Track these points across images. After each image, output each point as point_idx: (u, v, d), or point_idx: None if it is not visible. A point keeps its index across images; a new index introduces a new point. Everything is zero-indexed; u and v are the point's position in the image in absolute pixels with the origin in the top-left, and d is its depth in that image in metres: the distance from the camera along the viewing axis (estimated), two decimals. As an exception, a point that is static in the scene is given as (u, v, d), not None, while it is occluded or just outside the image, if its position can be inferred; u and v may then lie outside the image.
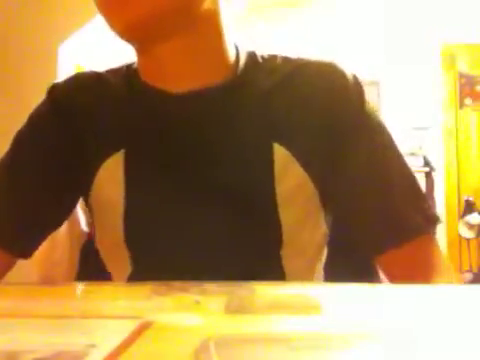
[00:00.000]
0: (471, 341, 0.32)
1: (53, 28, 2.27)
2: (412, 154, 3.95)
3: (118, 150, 0.68)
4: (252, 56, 0.70)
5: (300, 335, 0.34)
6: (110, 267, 0.74)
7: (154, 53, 0.65)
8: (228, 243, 0.65)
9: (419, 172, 3.87)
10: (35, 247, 0.72)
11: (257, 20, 3.91)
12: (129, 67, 0.73)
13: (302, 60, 0.70)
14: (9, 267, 0.70)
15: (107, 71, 0.74)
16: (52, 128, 0.71)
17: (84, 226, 1.34)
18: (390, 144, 0.68)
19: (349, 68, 0.69)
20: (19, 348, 0.32)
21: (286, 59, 0.70)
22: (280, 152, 0.65)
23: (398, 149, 0.68)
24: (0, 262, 0.69)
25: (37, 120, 0.73)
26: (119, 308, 0.42)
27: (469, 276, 3.66)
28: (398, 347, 0.31)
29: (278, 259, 0.67)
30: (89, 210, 0.75)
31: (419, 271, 0.65)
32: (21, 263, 0.71)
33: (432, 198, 3.89)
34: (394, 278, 0.67)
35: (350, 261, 0.84)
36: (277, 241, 0.66)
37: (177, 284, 0.48)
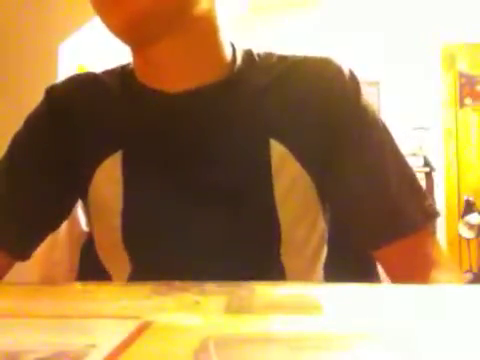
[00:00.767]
0: (471, 341, 0.32)
1: (53, 28, 2.27)
2: (412, 154, 3.95)
3: (115, 151, 0.68)
4: (248, 54, 0.71)
5: (300, 335, 0.33)
6: (109, 267, 0.74)
7: (150, 53, 0.65)
8: (227, 242, 0.65)
9: (419, 172, 3.86)
10: (33, 248, 0.72)
11: (257, 20, 3.91)
12: (124, 68, 0.73)
13: (298, 57, 0.70)
14: (8, 268, 0.70)
15: (103, 72, 0.74)
16: (49, 130, 0.71)
17: (84, 226, 1.34)
18: (387, 139, 0.68)
19: (346, 64, 0.70)
20: (19, 348, 0.32)
21: (282, 56, 0.70)
22: (277, 148, 0.65)
23: (395, 144, 0.69)
24: None
25: (35, 122, 0.73)
26: (119, 308, 0.42)
27: (469, 276, 3.66)
28: (398, 347, 0.31)
29: (277, 257, 0.67)
30: (87, 211, 0.75)
31: (418, 265, 0.65)
32: (21, 263, 0.71)
33: (432, 198, 3.89)
34: (393, 273, 0.67)
35: (350, 261, 0.84)
36: (276, 238, 0.66)
37: (177, 284, 0.48)
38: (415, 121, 4.24)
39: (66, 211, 0.75)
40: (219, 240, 0.65)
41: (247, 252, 0.66)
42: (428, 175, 4.12)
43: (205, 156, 0.66)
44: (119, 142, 0.69)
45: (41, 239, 0.73)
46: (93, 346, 0.31)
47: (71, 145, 0.71)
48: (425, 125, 4.26)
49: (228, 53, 0.69)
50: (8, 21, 2.26)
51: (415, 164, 3.84)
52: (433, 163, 4.19)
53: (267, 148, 0.65)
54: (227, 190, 0.65)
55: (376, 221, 0.65)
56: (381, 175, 0.66)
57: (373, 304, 0.43)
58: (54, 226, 0.74)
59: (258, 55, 0.71)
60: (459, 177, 4.17)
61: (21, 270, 0.74)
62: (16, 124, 0.75)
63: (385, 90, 4.26)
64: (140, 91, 0.69)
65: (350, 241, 0.72)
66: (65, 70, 2.23)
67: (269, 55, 0.71)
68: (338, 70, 0.68)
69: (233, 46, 0.70)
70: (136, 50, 0.67)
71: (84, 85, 0.74)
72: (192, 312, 0.39)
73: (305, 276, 0.71)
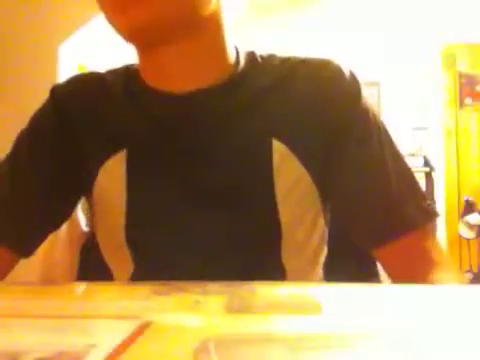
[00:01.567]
0: (471, 341, 0.32)
1: (53, 28, 2.27)
2: (412, 154, 3.96)
3: (120, 150, 0.69)
4: (251, 56, 0.71)
5: (300, 335, 0.34)
6: (112, 266, 0.74)
7: (157, 55, 0.65)
8: (228, 241, 0.65)
9: (419, 172, 3.87)
10: (36, 246, 0.72)
11: (257, 20, 3.91)
12: (129, 68, 0.74)
13: (300, 58, 0.71)
14: (12, 266, 0.70)
15: (107, 72, 0.75)
16: (54, 129, 0.72)
17: (84, 226, 1.34)
18: (387, 140, 0.69)
19: (347, 66, 0.70)
20: (19, 348, 0.32)
21: (284, 58, 0.71)
22: (279, 148, 0.66)
23: (395, 145, 0.69)
24: (3, 260, 0.69)
25: (39, 121, 0.73)
26: (119, 308, 0.42)
27: (469, 276, 3.66)
28: (398, 347, 0.31)
29: (278, 256, 0.67)
30: (91, 210, 0.75)
31: (418, 265, 0.65)
32: (21, 263, 0.71)
33: (432, 198, 3.90)
34: (393, 272, 0.67)
35: (350, 261, 0.84)
36: (276, 238, 0.66)
37: (177, 284, 0.48)
38: (415, 121, 4.24)
39: (69, 209, 0.75)
40: (221, 239, 0.65)
41: (248, 251, 0.66)
42: (428, 175, 4.12)
43: (208, 156, 0.67)
44: (123, 142, 0.69)
45: (44, 237, 0.73)
46: (93, 346, 0.31)
47: (75, 144, 0.71)
48: (425, 125, 4.26)
49: (232, 55, 0.69)
50: (8, 21, 2.26)
51: (415, 164, 3.85)
52: (433, 163, 4.19)
53: (269, 148, 0.66)
54: (229, 190, 0.66)
55: (376, 220, 0.66)
56: (381, 175, 0.66)
57: (373, 304, 0.43)
58: (57, 224, 0.74)
59: (261, 57, 0.72)
60: (459, 177, 4.17)
61: (21, 270, 0.74)
62: (16, 124, 0.75)
63: (385, 90, 4.26)
64: (145, 91, 0.69)
65: (350, 241, 0.73)
66: (65, 70, 2.23)
67: (271, 57, 0.72)
68: (339, 72, 0.68)
69: (236, 48, 0.71)
70: (143, 52, 0.67)
71: (88, 84, 0.74)
72: (192, 312, 0.39)
73: (305, 276, 0.71)
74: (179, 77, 0.67)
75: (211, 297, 0.44)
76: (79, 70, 2.18)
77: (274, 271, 0.68)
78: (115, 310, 0.41)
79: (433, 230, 0.68)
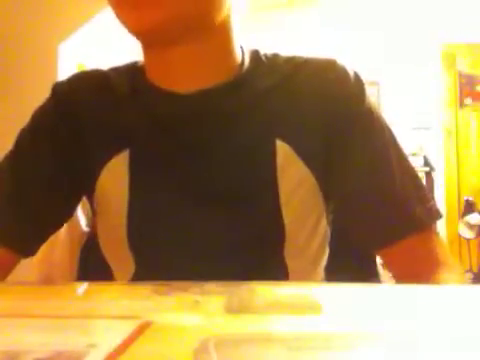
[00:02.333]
0: (471, 341, 0.32)
1: (53, 28, 2.27)
2: (412, 154, 3.96)
3: (123, 149, 0.68)
4: (256, 56, 0.71)
5: (300, 335, 0.33)
6: (113, 266, 0.74)
7: (166, 55, 0.65)
8: (231, 241, 0.65)
9: (419, 172, 3.86)
10: (38, 245, 0.72)
11: (258, 21, 3.91)
12: (133, 65, 0.73)
13: (304, 58, 0.71)
14: (13, 265, 0.70)
15: (111, 69, 0.74)
16: (55, 127, 0.71)
17: (84, 226, 1.34)
18: (391, 140, 0.69)
19: (350, 66, 0.70)
20: (19, 348, 0.32)
21: (288, 58, 0.71)
22: (282, 148, 0.66)
23: (399, 145, 0.69)
24: (4, 260, 0.69)
25: (40, 119, 0.73)
26: (119, 308, 0.42)
27: (469, 276, 3.66)
28: (398, 347, 0.31)
29: (281, 256, 0.67)
30: (92, 210, 0.75)
31: (423, 265, 0.65)
32: (21, 263, 0.71)
33: (432, 198, 3.89)
34: (397, 272, 0.67)
35: (350, 261, 0.84)
36: (280, 238, 0.66)
37: (177, 284, 0.48)
38: (415, 121, 4.25)
39: (71, 209, 0.75)
40: (224, 240, 0.65)
41: (251, 252, 0.66)
42: (428, 175, 4.12)
43: (212, 156, 0.67)
44: (126, 141, 0.69)
45: (46, 236, 0.73)
46: (93, 346, 0.31)
47: (77, 142, 0.71)
48: (425, 125, 4.26)
49: (238, 55, 0.69)
50: (8, 21, 2.26)
51: (415, 164, 3.83)
52: (433, 163, 4.19)
53: (273, 148, 0.66)
54: (233, 190, 0.66)
55: (381, 221, 0.66)
56: (385, 175, 0.66)
57: (373, 304, 0.43)
58: (59, 224, 0.74)
59: (265, 56, 0.72)
60: (459, 177, 4.17)
61: (21, 270, 0.74)
62: (17, 124, 0.75)
63: (385, 90, 4.26)
64: (149, 90, 0.69)
65: (350, 242, 0.72)
66: (65, 70, 2.23)
67: (275, 56, 0.72)
68: (343, 72, 0.69)
69: (242, 48, 0.71)
70: (151, 50, 0.67)
71: (91, 82, 0.74)
72: (192, 312, 0.39)
73: (307, 276, 0.71)
74: (185, 77, 0.67)
75: (211, 297, 0.44)
76: (79, 69, 2.18)
77: (277, 271, 0.68)
78: (115, 310, 0.41)
79: (435, 227, 0.68)
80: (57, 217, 0.73)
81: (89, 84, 0.73)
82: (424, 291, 0.49)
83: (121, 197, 0.68)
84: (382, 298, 0.46)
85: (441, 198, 4.08)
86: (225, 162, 0.66)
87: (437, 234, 0.68)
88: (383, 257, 0.69)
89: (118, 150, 0.69)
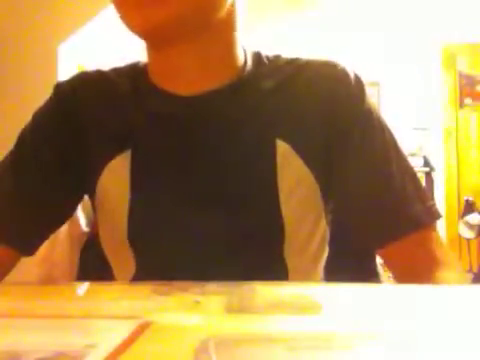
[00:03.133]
0: (471, 341, 0.32)
1: (53, 28, 2.27)
2: (412, 154, 3.96)
3: (124, 150, 0.69)
4: (258, 57, 0.72)
5: (300, 335, 0.34)
6: (114, 266, 0.74)
7: (169, 54, 0.65)
8: (232, 241, 0.65)
9: (419, 172, 3.86)
10: (39, 244, 0.72)
11: (257, 20, 3.91)
12: (135, 66, 0.74)
13: (304, 59, 0.71)
14: (13, 264, 0.70)
15: (112, 70, 0.74)
16: (57, 126, 0.71)
17: (84, 226, 1.34)
18: (391, 140, 0.69)
19: (350, 67, 0.71)
20: (19, 348, 0.32)
21: (289, 59, 0.72)
22: (282, 147, 0.66)
23: (399, 145, 0.69)
24: (4, 259, 0.69)
25: (42, 118, 0.73)
26: (119, 308, 0.42)
27: (469, 276, 3.66)
28: (398, 347, 0.31)
29: (281, 255, 0.67)
30: (94, 209, 0.75)
31: (423, 264, 0.65)
32: (21, 263, 0.71)
33: (432, 198, 3.89)
34: (398, 272, 0.67)
35: (350, 261, 0.84)
36: (279, 236, 0.66)
37: (177, 284, 0.48)
38: (415, 121, 4.25)
39: (71, 208, 0.75)
40: (224, 239, 0.65)
41: (251, 251, 0.66)
42: (428, 175, 4.12)
43: (213, 157, 0.67)
44: (128, 141, 0.69)
45: (46, 235, 0.73)
46: (93, 346, 0.31)
47: (79, 142, 0.71)
48: (425, 125, 4.26)
49: (241, 56, 0.70)
50: (8, 21, 2.26)
51: (415, 164, 3.84)
52: (433, 163, 4.19)
53: (273, 148, 0.66)
54: (233, 190, 0.66)
55: (381, 219, 0.66)
56: (385, 175, 0.66)
57: (373, 304, 0.43)
58: (59, 222, 0.74)
59: (267, 58, 0.72)
60: (459, 177, 4.17)
61: (21, 270, 0.74)
62: (16, 124, 0.75)
63: (385, 90, 4.27)
64: (151, 91, 0.69)
65: (350, 242, 0.73)
66: (65, 70, 2.23)
67: (277, 58, 0.72)
68: (343, 72, 0.69)
69: (244, 49, 0.71)
70: (155, 50, 0.67)
71: (92, 82, 0.74)
72: (192, 312, 0.39)
73: (307, 275, 0.71)
74: (189, 78, 0.67)
75: (211, 297, 0.44)
76: (78, 70, 2.17)
77: (277, 270, 0.68)
78: (115, 310, 0.41)
79: (435, 227, 0.68)
80: (57, 216, 0.73)
81: (91, 84, 0.74)
82: (424, 291, 0.49)
83: (122, 197, 0.68)
84: (382, 298, 0.46)
85: (441, 198, 4.08)
86: (226, 162, 0.66)
87: (437, 233, 0.68)
88: (383, 256, 0.69)
89: (119, 150, 0.69)
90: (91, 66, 0.77)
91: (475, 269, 3.77)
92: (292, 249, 0.67)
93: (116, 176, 0.69)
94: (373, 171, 0.67)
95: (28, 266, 0.81)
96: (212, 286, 0.47)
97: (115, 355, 0.30)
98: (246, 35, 0.70)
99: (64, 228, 1.28)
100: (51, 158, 0.71)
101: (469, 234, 3.69)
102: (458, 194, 4.13)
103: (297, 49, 0.73)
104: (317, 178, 0.67)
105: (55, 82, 0.76)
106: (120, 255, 0.71)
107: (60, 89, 0.74)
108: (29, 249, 0.71)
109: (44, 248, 0.75)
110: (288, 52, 0.73)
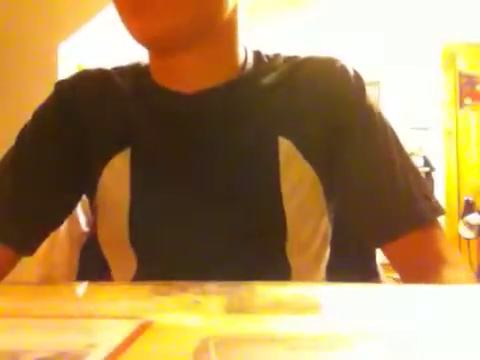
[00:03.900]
0: (471, 341, 0.32)
1: (53, 28, 2.27)
2: (412, 154, 3.95)
3: (124, 149, 0.69)
4: (258, 55, 0.72)
5: (300, 335, 0.34)
6: (114, 266, 0.74)
7: (170, 60, 0.66)
8: (234, 239, 0.65)
9: (419, 172, 3.86)
10: (38, 244, 0.72)
11: (256, 20, 3.91)
12: (137, 65, 0.74)
13: (304, 57, 0.72)
14: (13, 264, 0.70)
15: (114, 68, 0.75)
16: (57, 125, 0.71)
17: (84, 226, 1.34)
18: (392, 137, 0.69)
19: (351, 64, 0.71)
20: (20, 348, 0.32)
21: (289, 57, 0.72)
22: (285, 145, 0.66)
23: (400, 142, 0.70)
24: (4, 259, 0.69)
25: (42, 116, 0.73)
26: (119, 308, 0.42)
27: (474, 275, 3.66)
28: (398, 347, 0.31)
29: (283, 254, 0.67)
30: (94, 209, 0.75)
31: (427, 261, 0.65)
32: (21, 263, 0.71)
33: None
34: (402, 269, 0.67)
35: (351, 261, 0.84)
36: (281, 234, 0.66)
37: (177, 284, 0.48)
38: (415, 121, 4.24)
39: (71, 206, 0.75)
40: (226, 237, 0.65)
41: (254, 249, 0.66)
42: (428, 175, 4.12)
43: (214, 154, 0.67)
44: (128, 139, 0.69)
45: (45, 234, 0.72)
46: (93, 346, 0.31)
47: (79, 141, 0.71)
48: (425, 125, 4.26)
49: (242, 55, 0.70)
50: (8, 21, 2.26)
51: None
52: (433, 163, 4.19)
53: (275, 145, 0.66)
54: (235, 187, 0.66)
55: (384, 216, 0.66)
56: (387, 171, 0.66)
57: (373, 304, 0.43)
58: (58, 221, 0.74)
59: (267, 56, 0.73)
60: (459, 177, 4.17)
61: (21, 270, 0.74)
62: (16, 124, 0.74)
63: (385, 90, 4.26)
64: (153, 89, 0.70)
65: (350, 241, 0.73)
66: (65, 70, 2.23)
67: (277, 56, 0.73)
68: (343, 69, 0.69)
69: (245, 47, 0.72)
70: (157, 56, 0.68)
71: (93, 81, 0.74)
72: (192, 312, 0.39)
73: (310, 274, 0.71)
74: (190, 77, 0.67)
75: (211, 297, 0.44)
76: (78, 70, 2.17)
77: (279, 269, 0.68)
78: (115, 310, 0.41)
79: (438, 223, 0.68)
80: (57, 215, 0.73)
81: (91, 83, 0.74)
82: (424, 291, 0.49)
83: (122, 195, 0.68)
84: (382, 298, 0.46)
85: (441, 198, 4.08)
86: (228, 160, 0.66)
87: (442, 230, 0.68)
88: (386, 252, 0.68)
89: (120, 148, 0.69)
90: (91, 66, 0.77)
91: (475, 269, 3.77)
92: (294, 247, 0.67)
93: (116, 174, 0.69)
94: (375, 168, 0.66)
95: (28, 266, 0.81)
96: (212, 286, 0.47)
97: (115, 355, 0.30)
98: (246, 35, 0.71)
99: (64, 228, 1.28)
100: (51, 156, 0.71)
101: (469, 234, 3.69)
102: (458, 194, 4.12)
103: (297, 48, 0.73)
104: (319, 176, 0.67)
105: (55, 82, 0.76)
106: (120, 255, 0.70)
107: (61, 87, 0.74)
108: (28, 249, 0.71)
109: (44, 248, 0.75)
110: (288, 51, 0.73)
